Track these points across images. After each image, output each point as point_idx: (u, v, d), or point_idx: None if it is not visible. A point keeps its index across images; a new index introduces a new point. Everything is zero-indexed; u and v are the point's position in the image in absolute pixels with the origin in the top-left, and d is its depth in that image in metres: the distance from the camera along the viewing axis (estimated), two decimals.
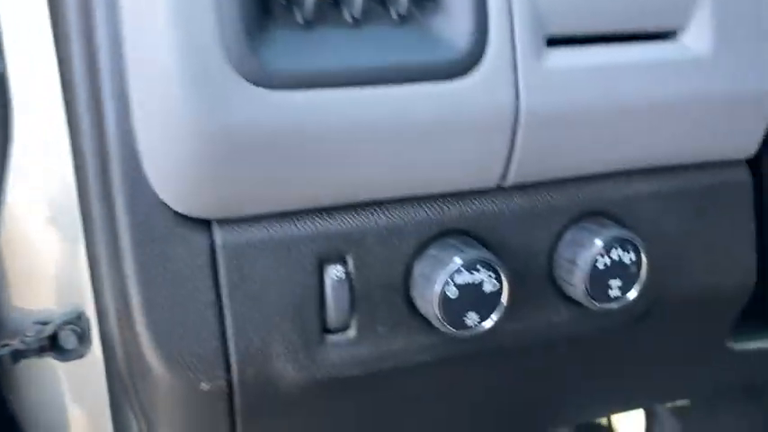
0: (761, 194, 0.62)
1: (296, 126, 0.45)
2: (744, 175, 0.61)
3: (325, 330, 0.53)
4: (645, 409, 1.61)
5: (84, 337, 0.90)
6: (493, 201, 0.54)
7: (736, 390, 1.33)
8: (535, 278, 0.56)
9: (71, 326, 0.88)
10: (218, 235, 0.49)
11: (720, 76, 0.55)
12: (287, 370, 0.52)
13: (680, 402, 1.58)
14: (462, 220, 0.54)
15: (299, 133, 0.45)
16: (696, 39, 0.54)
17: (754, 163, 0.62)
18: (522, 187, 0.55)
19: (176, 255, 0.48)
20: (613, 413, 0.88)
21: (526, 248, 0.55)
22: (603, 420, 1.68)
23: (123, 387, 0.58)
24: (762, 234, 0.63)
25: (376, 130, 0.47)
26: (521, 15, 0.49)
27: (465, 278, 0.50)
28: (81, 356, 0.91)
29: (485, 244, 0.54)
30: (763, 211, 0.63)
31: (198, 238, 0.48)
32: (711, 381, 0.81)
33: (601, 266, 0.54)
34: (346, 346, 0.53)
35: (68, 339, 0.88)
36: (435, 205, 0.53)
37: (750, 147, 0.60)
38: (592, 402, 0.76)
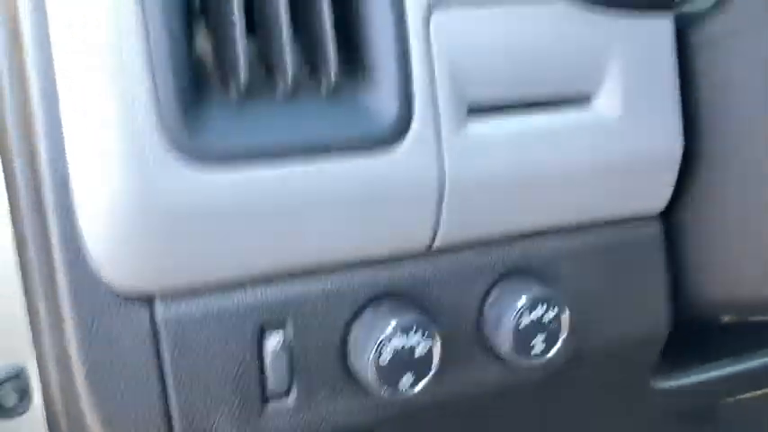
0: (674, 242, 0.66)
1: (230, 203, 0.47)
2: (655, 229, 0.65)
3: (265, 398, 0.54)
4: None
5: (24, 395, 0.88)
6: (423, 263, 0.57)
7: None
8: (464, 337, 0.59)
9: (11, 382, 0.86)
10: (160, 310, 0.50)
11: (630, 139, 0.59)
12: None
13: None
14: (396, 283, 0.56)
15: (233, 209, 0.47)
16: (607, 104, 0.58)
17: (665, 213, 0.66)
18: (449, 249, 0.58)
19: (118, 331, 0.49)
20: None
21: (456, 308, 0.58)
22: None
23: None
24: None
25: (308, 204, 0.49)
26: (443, 87, 0.52)
27: (399, 342, 0.53)
28: (22, 414, 0.89)
29: (418, 305, 0.57)
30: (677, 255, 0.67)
31: (140, 315, 0.49)
32: (639, 420, 0.84)
33: (524, 325, 0.57)
34: (286, 413, 0.55)
35: (9, 396, 0.86)
36: (369, 270, 0.55)
37: (660, 203, 0.64)
38: None
